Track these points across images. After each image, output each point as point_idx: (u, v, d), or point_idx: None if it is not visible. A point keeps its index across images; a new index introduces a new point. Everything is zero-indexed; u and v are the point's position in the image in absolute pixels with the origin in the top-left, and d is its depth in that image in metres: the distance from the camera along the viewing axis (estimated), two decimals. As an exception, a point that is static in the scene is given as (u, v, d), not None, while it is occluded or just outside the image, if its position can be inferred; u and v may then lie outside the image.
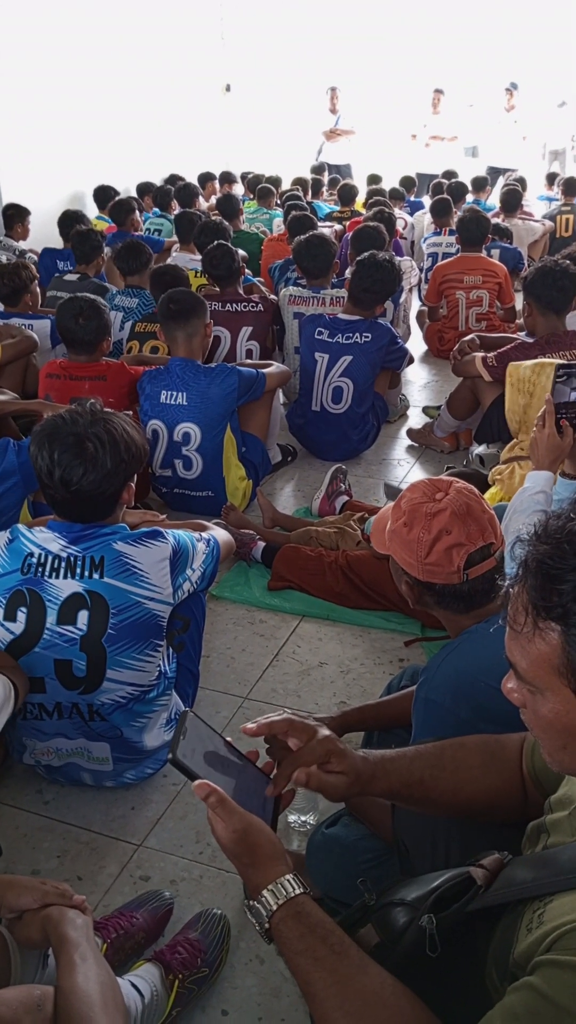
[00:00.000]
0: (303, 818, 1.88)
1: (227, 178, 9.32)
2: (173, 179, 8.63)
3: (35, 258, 6.00)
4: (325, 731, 1.16)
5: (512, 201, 7.23)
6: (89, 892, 1.77)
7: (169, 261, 5.50)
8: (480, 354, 3.60)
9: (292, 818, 1.87)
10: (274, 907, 0.97)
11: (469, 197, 7.88)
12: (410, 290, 5.35)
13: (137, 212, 6.46)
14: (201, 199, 7.89)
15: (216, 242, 4.14)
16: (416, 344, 5.59)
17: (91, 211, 7.76)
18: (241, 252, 4.30)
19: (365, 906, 1.13)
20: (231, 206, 6.55)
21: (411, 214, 7.88)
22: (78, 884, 1.80)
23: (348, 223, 6.73)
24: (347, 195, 7.78)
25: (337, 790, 1.14)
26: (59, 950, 1.18)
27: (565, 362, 2.54)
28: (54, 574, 1.80)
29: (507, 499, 2.57)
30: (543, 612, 0.88)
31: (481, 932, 1.04)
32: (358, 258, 3.85)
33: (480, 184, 8.66)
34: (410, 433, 4.18)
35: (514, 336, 3.92)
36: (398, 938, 1.03)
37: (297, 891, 0.98)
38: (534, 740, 1.12)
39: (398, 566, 1.53)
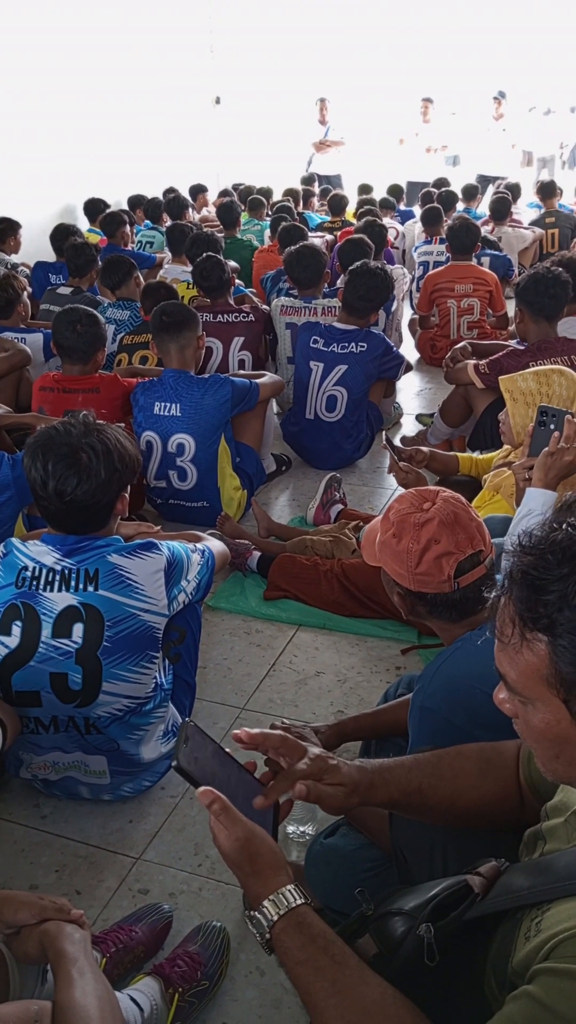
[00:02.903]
0: (302, 828, 1.88)
1: (225, 195, 9.38)
2: (170, 191, 8.67)
3: (27, 272, 6.01)
4: (316, 749, 1.16)
5: (501, 209, 7.27)
6: (88, 906, 1.76)
7: (161, 273, 5.54)
8: (472, 361, 3.61)
9: (291, 829, 1.87)
10: (275, 917, 0.96)
11: (460, 206, 7.92)
12: (402, 298, 5.37)
13: (127, 225, 6.49)
14: (192, 211, 7.93)
15: (205, 254, 4.16)
16: (408, 352, 5.60)
17: (82, 224, 7.78)
18: (232, 263, 4.31)
19: (363, 916, 1.12)
20: (231, 214, 6.77)
21: (402, 223, 7.92)
22: (76, 898, 1.79)
23: (339, 233, 6.77)
24: (337, 205, 7.82)
25: (336, 800, 1.13)
26: (57, 965, 1.17)
27: None
28: (48, 587, 1.80)
29: (503, 499, 2.58)
30: (529, 623, 0.89)
31: (479, 941, 1.03)
32: (351, 268, 3.87)
33: (470, 193, 8.70)
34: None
35: (506, 343, 3.94)
36: (396, 948, 1.02)
37: (298, 901, 0.97)
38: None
39: (389, 578, 1.53)
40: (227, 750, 1.15)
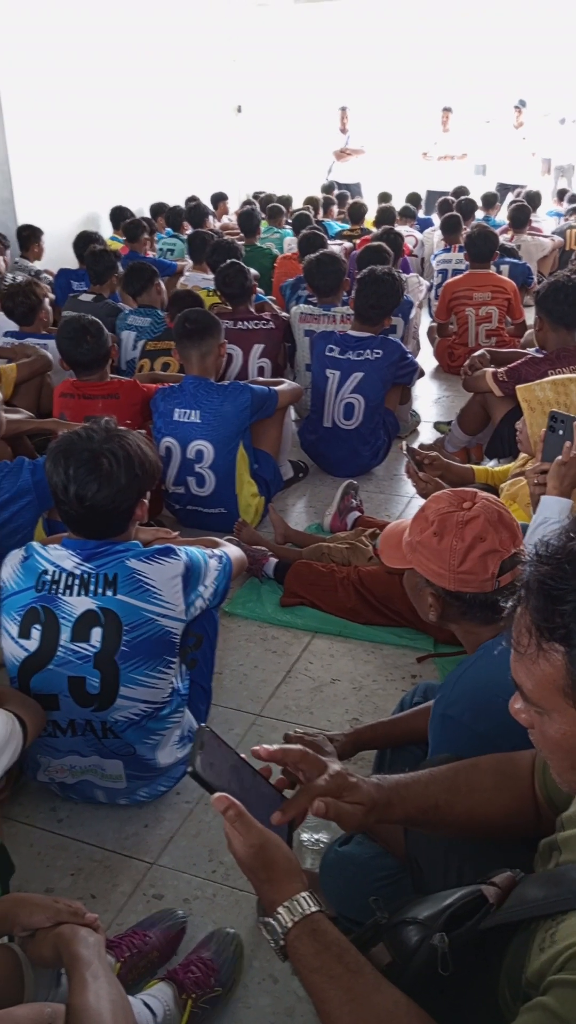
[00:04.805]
0: (316, 836, 1.87)
1: (246, 203, 9.45)
2: (191, 199, 8.73)
3: (50, 278, 6.07)
4: (336, 765, 1.15)
5: (520, 217, 7.26)
6: (102, 910, 1.76)
7: (182, 280, 5.58)
8: (491, 369, 3.61)
9: (305, 836, 1.86)
10: (289, 924, 0.96)
11: (479, 214, 7.92)
12: (419, 306, 5.37)
13: (149, 232, 6.55)
14: (212, 218, 7.98)
15: (228, 261, 4.18)
16: (426, 360, 5.61)
17: (105, 232, 7.85)
18: (253, 271, 4.34)
19: (377, 925, 1.12)
20: (252, 222, 6.83)
21: (421, 231, 7.92)
22: (91, 902, 1.80)
23: (358, 241, 6.79)
24: (357, 213, 7.85)
25: (354, 818, 1.12)
26: (71, 969, 1.18)
27: None
28: (68, 591, 1.81)
29: (519, 508, 2.57)
30: (546, 633, 0.88)
31: (493, 951, 1.03)
32: (358, 276, 3.88)
33: (490, 201, 8.71)
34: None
35: (524, 351, 3.93)
36: (410, 957, 1.02)
37: (313, 908, 0.97)
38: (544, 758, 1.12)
39: (419, 579, 1.51)
40: (243, 756, 1.16)
